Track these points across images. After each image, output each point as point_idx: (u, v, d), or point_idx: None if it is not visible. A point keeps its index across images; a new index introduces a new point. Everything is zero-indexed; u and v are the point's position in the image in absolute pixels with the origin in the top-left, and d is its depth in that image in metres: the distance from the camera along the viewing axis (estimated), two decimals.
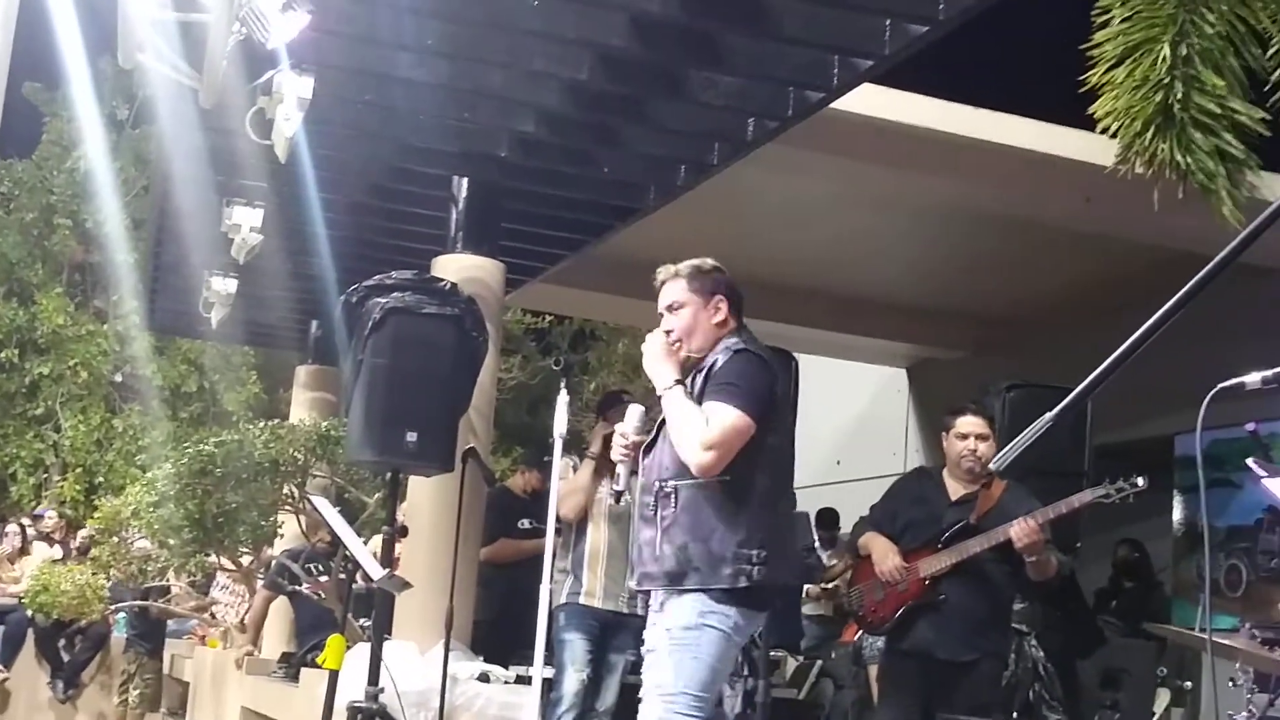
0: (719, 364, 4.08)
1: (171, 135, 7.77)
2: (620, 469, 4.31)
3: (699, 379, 4.12)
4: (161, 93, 6.76)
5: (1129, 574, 9.13)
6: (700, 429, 3.95)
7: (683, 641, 3.97)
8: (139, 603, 11.93)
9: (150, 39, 5.54)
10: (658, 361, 4.17)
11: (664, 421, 4.15)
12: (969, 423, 5.53)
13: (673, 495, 4.05)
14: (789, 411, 4.26)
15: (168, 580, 10.88)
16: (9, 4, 5.58)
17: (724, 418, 3.93)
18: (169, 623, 12.02)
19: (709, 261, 4.34)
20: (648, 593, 4.18)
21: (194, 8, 5.35)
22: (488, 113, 7.27)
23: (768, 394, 4.04)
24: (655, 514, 4.09)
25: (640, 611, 6.57)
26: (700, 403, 4.03)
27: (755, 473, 4.00)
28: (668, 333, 4.22)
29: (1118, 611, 9.10)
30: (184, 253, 9.69)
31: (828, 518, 10.53)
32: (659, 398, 4.15)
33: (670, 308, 4.26)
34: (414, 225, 8.60)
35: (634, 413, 4.37)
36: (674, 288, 4.27)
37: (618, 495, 4.46)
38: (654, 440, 4.22)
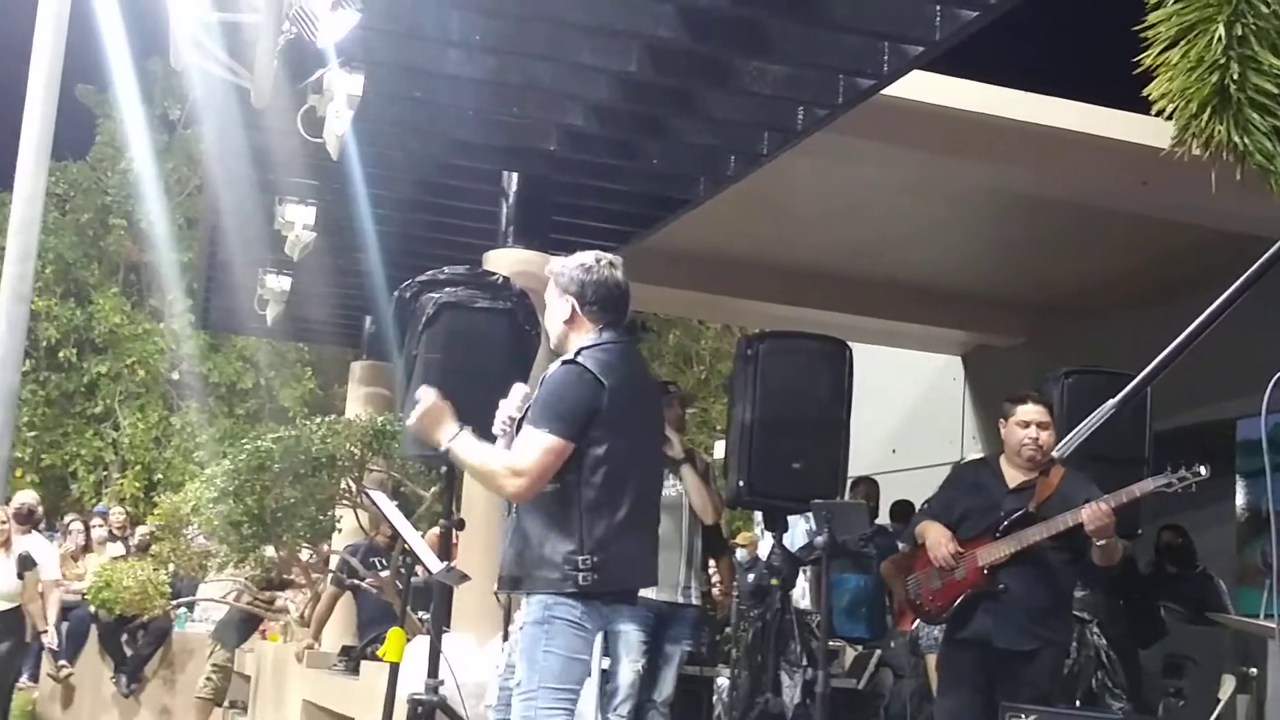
0: (548, 374, 4.17)
1: (223, 135, 7.83)
2: (500, 441, 4.31)
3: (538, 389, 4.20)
4: (212, 92, 6.81)
5: (1173, 560, 9.02)
6: (502, 461, 4.08)
7: (533, 638, 4.04)
8: (202, 598, 12.05)
9: (201, 39, 5.58)
10: (428, 427, 4.24)
11: (517, 425, 4.20)
12: (1030, 411, 5.49)
13: (514, 505, 4.15)
14: (632, 409, 4.18)
15: (230, 574, 10.96)
16: (61, 8, 5.63)
17: (534, 443, 4.01)
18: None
19: (581, 257, 4.30)
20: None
21: (244, 8, 5.38)
22: (536, 107, 7.27)
23: (585, 409, 4.04)
24: (506, 520, 4.24)
25: (695, 602, 6.60)
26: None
27: (582, 484, 4.04)
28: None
29: (1162, 597, 9.00)
30: (237, 251, 9.78)
31: (901, 509, 10.45)
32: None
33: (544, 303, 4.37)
34: (464, 220, 8.63)
35: (518, 391, 4.39)
36: (548, 285, 4.34)
37: None
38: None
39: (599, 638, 5.98)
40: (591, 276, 4.22)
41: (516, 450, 4.07)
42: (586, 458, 4.04)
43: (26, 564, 9.87)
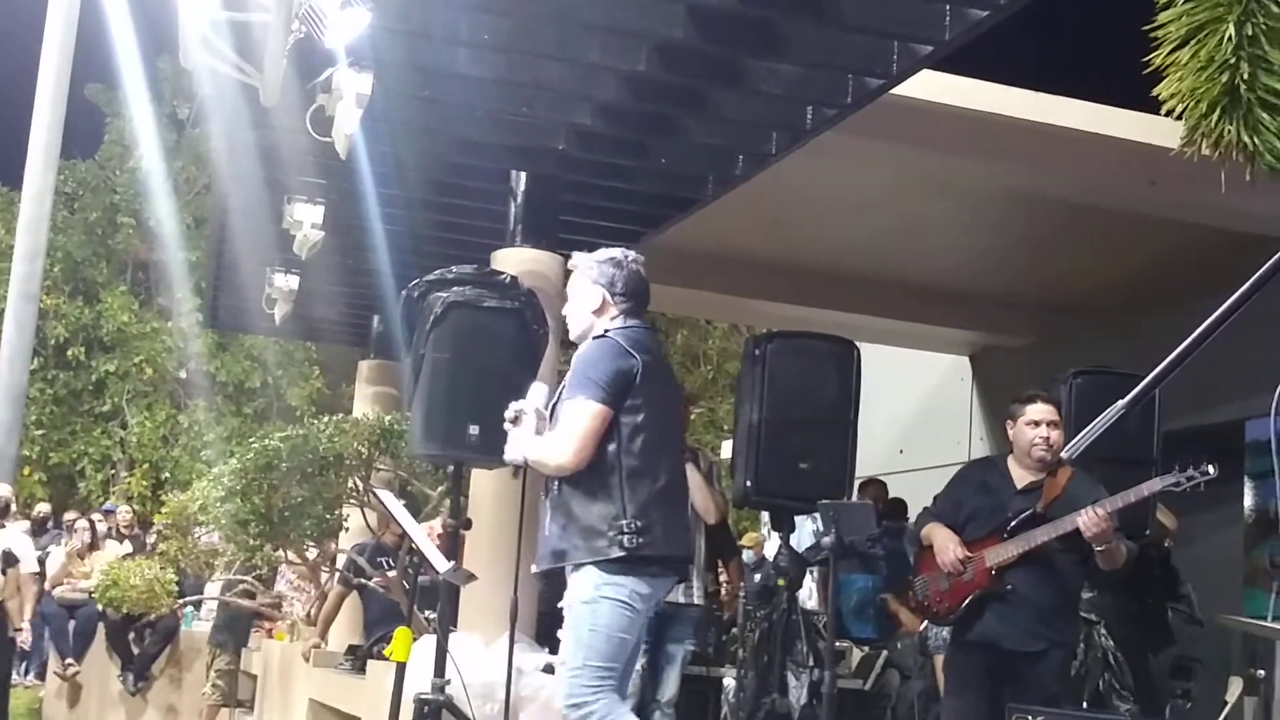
0: (579, 353, 4.37)
1: (231, 134, 7.84)
2: (515, 432, 4.49)
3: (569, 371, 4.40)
4: (220, 92, 6.81)
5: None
6: (554, 434, 4.29)
7: (580, 615, 4.17)
8: (209, 597, 12.06)
9: (210, 38, 5.58)
10: (515, 446, 4.44)
11: (552, 411, 4.41)
12: (1040, 410, 5.48)
13: (555, 482, 4.32)
14: (661, 389, 4.40)
15: (235, 574, 10.97)
16: (70, 7, 5.64)
17: (577, 410, 4.21)
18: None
19: (609, 252, 4.56)
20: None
21: (253, 7, 5.39)
22: (545, 106, 7.27)
23: (621, 377, 4.23)
24: (545, 502, 4.40)
25: (697, 601, 6.59)
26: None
27: (621, 452, 4.21)
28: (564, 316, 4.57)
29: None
30: (245, 250, 9.79)
31: (895, 507, 10.45)
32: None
33: (567, 296, 4.57)
34: (473, 219, 8.62)
35: (538, 390, 4.56)
36: (571, 278, 4.58)
37: None
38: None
39: None
40: (622, 270, 4.47)
41: (562, 424, 4.25)
42: (624, 427, 4.21)
43: (9, 560, 9.78)
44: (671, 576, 4.42)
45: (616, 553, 4.11)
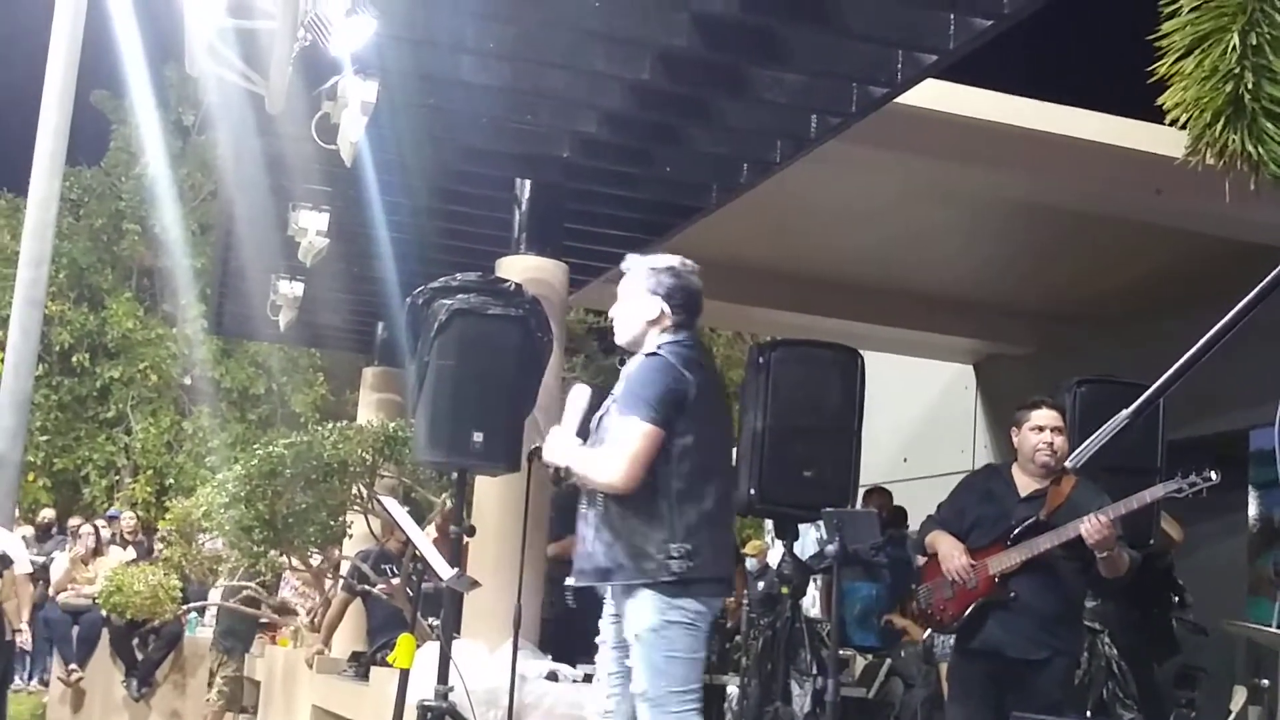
0: (632, 371, 4.29)
1: (237, 141, 7.86)
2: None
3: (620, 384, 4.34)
4: (227, 99, 6.83)
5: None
6: (601, 452, 4.20)
7: (651, 644, 4.12)
8: (214, 603, 12.06)
9: (216, 46, 5.60)
10: (557, 449, 4.35)
11: (598, 423, 4.36)
12: (1044, 416, 5.48)
13: (600, 496, 4.25)
14: (711, 410, 4.34)
15: (239, 580, 10.98)
16: (76, 15, 5.66)
17: (630, 430, 4.14)
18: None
19: (667, 259, 4.48)
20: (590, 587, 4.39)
21: (259, 15, 5.40)
22: (550, 114, 7.28)
23: (673, 398, 4.17)
24: (588, 514, 4.32)
25: None
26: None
27: (671, 476, 4.15)
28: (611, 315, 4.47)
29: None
30: (251, 257, 9.80)
31: (896, 516, 10.45)
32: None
33: (619, 296, 4.48)
34: (477, 227, 8.64)
35: (582, 393, 4.48)
36: (625, 279, 4.47)
37: None
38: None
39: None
40: (680, 281, 4.39)
41: (613, 440, 4.19)
42: (674, 449, 4.15)
43: (4, 562, 9.76)
44: (722, 596, 4.42)
45: (665, 576, 4.09)
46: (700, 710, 4.18)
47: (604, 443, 4.28)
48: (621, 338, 4.43)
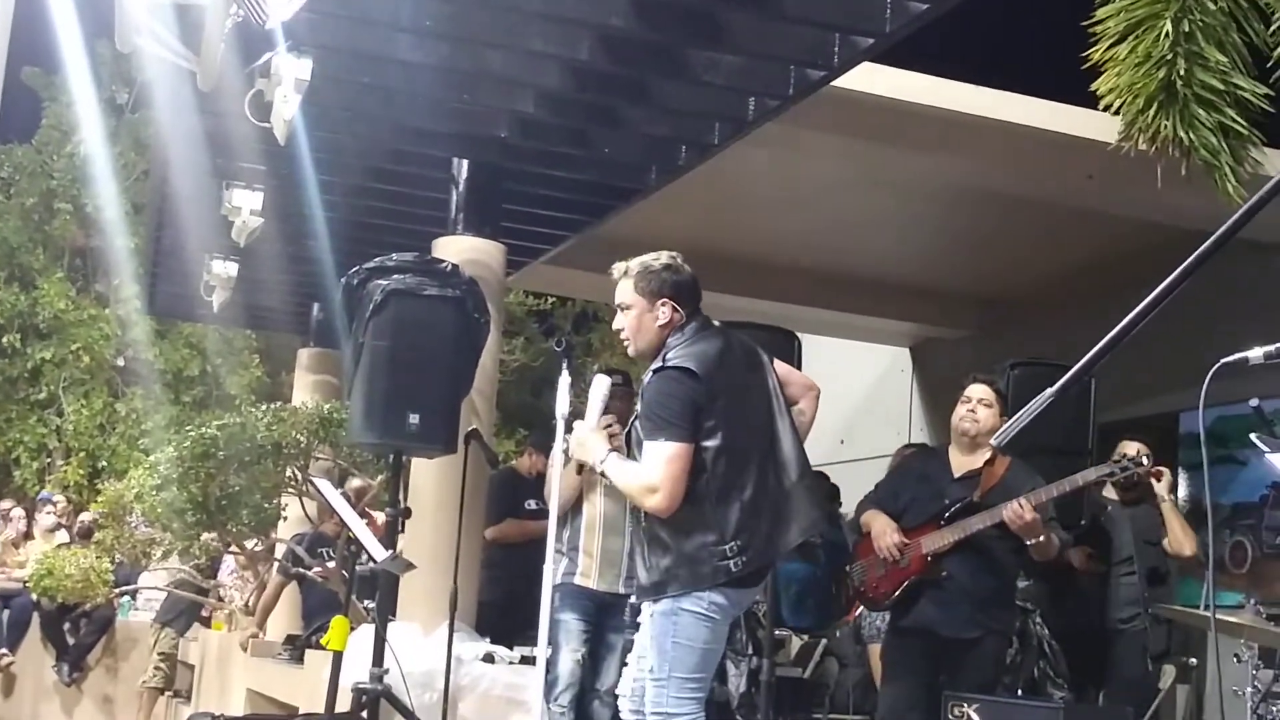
0: (645, 392, 4.26)
1: (170, 119, 7.76)
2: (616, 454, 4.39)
3: (638, 403, 4.33)
4: (159, 76, 6.74)
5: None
6: (637, 480, 4.18)
7: (662, 628, 4.15)
8: (146, 586, 11.95)
9: (148, 22, 5.52)
10: (586, 444, 4.35)
11: (629, 434, 4.39)
12: (974, 389, 5.57)
13: (644, 513, 4.26)
14: (734, 395, 4.27)
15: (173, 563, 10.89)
16: None
17: (658, 455, 4.11)
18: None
19: (661, 259, 4.45)
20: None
21: None
22: (487, 94, 7.24)
23: (692, 407, 4.15)
24: (637, 530, 4.38)
25: None
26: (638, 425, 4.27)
27: (708, 479, 4.14)
28: (619, 330, 4.45)
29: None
30: (184, 236, 9.68)
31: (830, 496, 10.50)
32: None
33: (620, 307, 4.44)
34: (414, 207, 8.58)
35: (602, 383, 4.48)
36: (623, 287, 4.44)
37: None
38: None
39: (578, 627, 6.08)
40: (680, 277, 4.40)
41: (644, 467, 4.16)
42: (706, 452, 4.14)
43: None
44: (755, 587, 4.41)
45: (722, 578, 4.10)
46: (701, 701, 4.17)
47: (638, 458, 4.25)
48: (636, 348, 4.39)
